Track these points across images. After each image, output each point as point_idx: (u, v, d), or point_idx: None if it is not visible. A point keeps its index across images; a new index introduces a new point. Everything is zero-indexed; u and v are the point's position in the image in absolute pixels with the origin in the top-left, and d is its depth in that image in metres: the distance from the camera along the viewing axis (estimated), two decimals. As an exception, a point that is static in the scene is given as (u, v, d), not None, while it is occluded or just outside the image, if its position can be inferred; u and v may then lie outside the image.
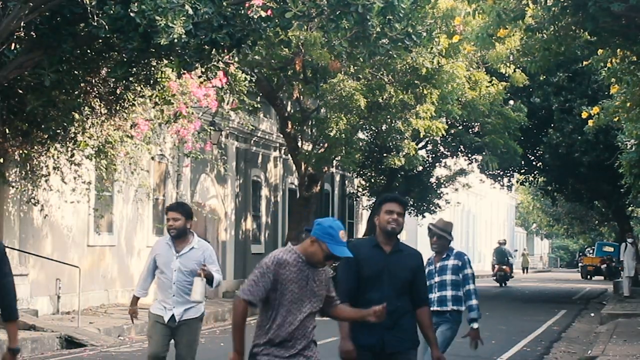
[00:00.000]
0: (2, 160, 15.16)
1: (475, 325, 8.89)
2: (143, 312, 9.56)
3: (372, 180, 34.22)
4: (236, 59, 15.95)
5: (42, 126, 14.55)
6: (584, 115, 20.35)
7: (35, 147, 15.35)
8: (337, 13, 11.63)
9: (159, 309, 8.44)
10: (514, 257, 48.08)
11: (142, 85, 14.53)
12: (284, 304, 5.48)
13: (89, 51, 13.28)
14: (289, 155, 26.64)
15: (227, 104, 20.24)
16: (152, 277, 8.60)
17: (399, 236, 6.43)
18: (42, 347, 14.16)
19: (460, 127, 30.18)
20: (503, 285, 38.60)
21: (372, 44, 12.54)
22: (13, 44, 11.64)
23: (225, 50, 12.03)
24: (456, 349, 14.81)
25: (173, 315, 8.36)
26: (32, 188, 16.45)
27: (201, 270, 8.22)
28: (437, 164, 34.83)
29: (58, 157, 15.96)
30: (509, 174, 36.67)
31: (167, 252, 8.40)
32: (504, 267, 38.68)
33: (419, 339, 6.44)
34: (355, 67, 21.94)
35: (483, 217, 67.35)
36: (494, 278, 39.33)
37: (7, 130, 14.67)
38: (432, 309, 8.20)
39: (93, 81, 14.55)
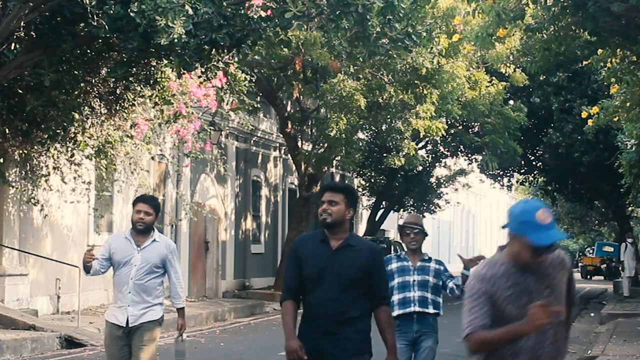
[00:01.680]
0: (2, 160, 15.16)
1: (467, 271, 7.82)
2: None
3: (372, 180, 34.25)
4: (236, 59, 15.93)
5: (42, 126, 14.54)
6: (584, 115, 20.35)
7: (35, 147, 15.35)
8: (337, 13, 11.62)
9: (113, 315, 7.73)
10: None
11: (142, 85, 14.53)
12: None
13: (88, 51, 13.28)
14: (289, 155, 26.65)
15: (227, 104, 20.25)
16: (101, 268, 7.81)
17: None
18: (42, 347, 14.15)
19: (460, 127, 30.18)
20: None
21: (372, 43, 12.53)
22: (13, 44, 11.64)
23: (225, 50, 12.03)
24: (456, 349, 14.83)
25: (128, 316, 7.64)
26: (32, 188, 16.45)
27: (182, 326, 7.82)
28: (437, 164, 34.84)
29: (58, 157, 15.95)
30: (508, 174, 36.68)
31: (125, 246, 7.68)
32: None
33: (369, 347, 5.60)
34: (355, 67, 21.95)
35: (483, 217, 67.37)
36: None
37: (7, 130, 14.66)
38: (411, 309, 7.80)
39: (93, 81, 14.54)
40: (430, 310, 7.85)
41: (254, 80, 20.27)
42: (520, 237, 4.21)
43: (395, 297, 7.80)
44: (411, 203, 35.76)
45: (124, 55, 11.95)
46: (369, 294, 5.55)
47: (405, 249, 8.14)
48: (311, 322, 5.53)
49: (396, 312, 7.70)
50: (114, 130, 15.86)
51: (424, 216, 36.24)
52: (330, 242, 5.54)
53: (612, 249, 49.12)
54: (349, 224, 5.64)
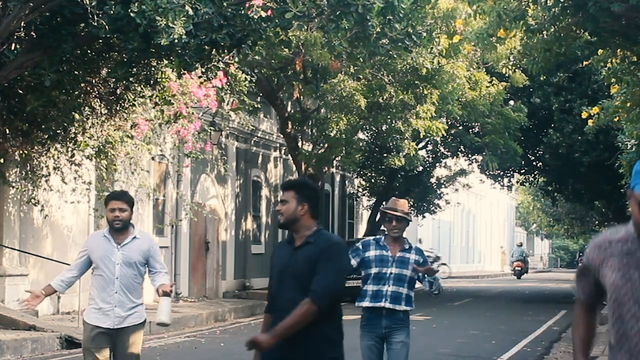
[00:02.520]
0: (2, 161, 15.16)
1: (435, 277, 7.55)
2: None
3: (373, 181, 34.24)
4: (236, 59, 15.95)
5: (42, 126, 14.55)
6: (584, 115, 20.34)
7: (36, 147, 15.35)
8: (337, 13, 11.63)
9: (96, 316, 7.34)
10: (529, 256, 58.35)
11: (142, 86, 14.53)
12: (612, 307, 3.63)
13: (89, 51, 13.28)
14: (289, 155, 26.65)
15: (227, 104, 20.25)
16: (79, 272, 7.55)
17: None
18: (42, 347, 14.16)
19: (460, 127, 30.19)
20: (519, 278, 47.93)
21: (372, 44, 12.54)
22: (13, 44, 11.64)
23: (226, 51, 12.03)
24: (456, 349, 14.85)
25: (114, 317, 7.29)
26: (32, 188, 16.45)
27: (168, 287, 7.29)
28: (437, 164, 34.84)
29: (58, 157, 15.96)
30: (509, 174, 36.68)
31: (105, 245, 7.34)
32: (521, 263, 49.04)
33: (334, 353, 5.16)
34: (356, 67, 21.95)
35: (483, 217, 67.33)
36: (512, 272, 49.39)
37: (7, 131, 14.67)
38: (382, 304, 7.39)
39: (93, 81, 14.55)
40: (402, 307, 7.43)
41: (254, 81, 20.27)
42: (631, 193, 3.51)
43: (369, 288, 7.46)
44: (411, 203, 35.76)
45: (124, 55, 11.96)
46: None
47: (388, 235, 7.60)
48: (274, 327, 5.15)
49: (366, 304, 7.44)
50: (114, 130, 15.86)
51: (424, 217, 36.29)
52: (295, 241, 5.26)
53: (612, 250, 49.12)
54: (312, 220, 5.24)
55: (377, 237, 7.63)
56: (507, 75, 25.90)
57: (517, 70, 25.18)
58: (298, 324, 5.02)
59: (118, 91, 14.84)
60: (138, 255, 7.35)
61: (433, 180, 35.30)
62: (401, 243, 7.55)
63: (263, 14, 11.40)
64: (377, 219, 33.78)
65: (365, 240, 7.59)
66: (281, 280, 5.21)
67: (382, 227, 7.73)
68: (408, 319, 7.55)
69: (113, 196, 7.43)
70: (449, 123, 27.58)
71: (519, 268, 49.04)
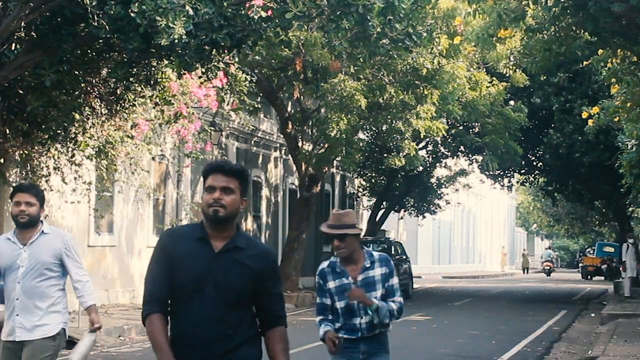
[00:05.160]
0: (2, 161, 15.15)
1: (374, 306, 6.05)
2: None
3: (373, 181, 34.27)
4: (236, 59, 15.95)
5: (43, 126, 14.55)
6: (584, 115, 20.37)
7: (36, 148, 15.35)
8: (338, 13, 11.63)
9: (4, 329, 6.45)
10: (556, 258, 68.28)
11: (142, 86, 14.53)
12: None
13: (89, 51, 13.28)
14: (290, 155, 26.65)
15: (228, 104, 20.25)
16: None
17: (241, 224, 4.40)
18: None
19: (460, 128, 30.21)
20: (549, 275, 55.71)
21: (372, 44, 12.54)
22: (13, 44, 11.65)
23: (226, 51, 12.03)
24: (456, 349, 14.85)
25: (16, 328, 6.35)
26: (33, 188, 16.43)
27: (97, 322, 6.42)
28: (437, 165, 34.86)
29: (58, 158, 15.96)
30: (509, 175, 36.71)
31: (9, 250, 6.39)
32: (550, 263, 58.33)
33: None
34: (356, 68, 21.96)
35: (483, 217, 67.35)
36: (543, 271, 58.49)
37: (8, 131, 14.66)
38: (359, 336, 6.10)
39: (93, 81, 14.55)
40: (378, 331, 6.18)
41: (254, 81, 20.28)
42: None
43: (341, 324, 6.15)
44: (411, 203, 35.79)
45: (124, 55, 11.96)
46: (260, 311, 4.33)
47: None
48: (183, 350, 4.17)
49: (341, 335, 6.10)
50: (115, 130, 15.87)
51: (424, 217, 36.22)
52: (212, 241, 4.28)
53: (612, 250, 49.10)
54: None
55: (332, 260, 6.18)
56: (507, 75, 25.93)
57: (517, 70, 25.20)
58: (289, 354, 4.35)
59: (118, 91, 14.84)
60: (47, 256, 6.40)
61: (433, 180, 35.32)
62: (360, 260, 6.12)
63: (263, 14, 11.41)
64: (377, 218, 33.82)
65: (321, 269, 6.17)
66: (199, 289, 4.17)
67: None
68: (387, 341, 6.33)
69: (19, 188, 6.58)
70: (449, 123, 27.60)
71: (548, 267, 57.62)
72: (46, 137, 14.89)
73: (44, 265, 6.37)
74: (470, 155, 33.76)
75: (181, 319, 4.21)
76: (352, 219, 6.14)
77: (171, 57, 12.10)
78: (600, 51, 16.23)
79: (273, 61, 22.25)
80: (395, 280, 6.19)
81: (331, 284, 6.10)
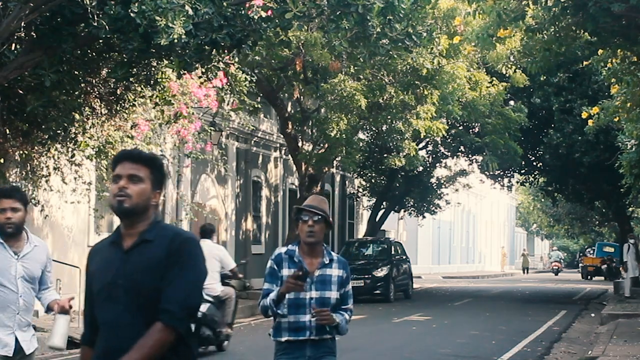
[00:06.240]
0: (2, 161, 15.15)
1: (337, 319, 5.67)
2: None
3: (373, 181, 34.26)
4: (236, 59, 15.95)
5: (43, 126, 14.55)
6: (584, 115, 20.37)
7: (36, 148, 15.35)
8: (338, 13, 11.63)
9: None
10: (563, 258, 70.16)
11: (142, 86, 14.54)
12: None
13: (89, 51, 13.29)
14: (290, 155, 26.66)
15: (228, 104, 20.26)
16: None
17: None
18: (42, 347, 14.15)
19: (460, 128, 30.22)
20: (557, 274, 57.94)
21: (372, 44, 12.55)
22: (13, 44, 11.65)
23: (226, 51, 12.04)
24: (456, 349, 14.85)
25: (18, 342, 5.97)
26: (33, 188, 16.44)
27: (67, 303, 5.97)
28: (437, 165, 34.87)
29: (58, 158, 15.96)
30: (509, 175, 36.71)
31: (1, 255, 6.00)
32: (557, 263, 61.17)
33: None
34: (356, 68, 21.96)
35: (483, 217, 67.34)
36: (551, 270, 61.07)
37: (8, 131, 14.67)
38: (306, 337, 5.69)
39: (93, 81, 14.56)
40: (328, 336, 5.75)
41: (254, 81, 20.28)
42: None
43: (286, 319, 5.73)
44: (412, 203, 35.79)
45: (124, 55, 11.96)
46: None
47: (301, 242, 5.80)
48: None
49: (285, 338, 5.73)
50: (115, 130, 15.87)
51: (424, 217, 36.24)
52: (124, 241, 3.83)
53: (612, 250, 49.12)
54: (153, 211, 3.88)
55: (290, 248, 5.81)
56: (507, 75, 25.93)
57: (517, 70, 25.21)
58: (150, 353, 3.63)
59: (118, 91, 14.85)
60: (39, 269, 6.13)
61: (433, 180, 35.32)
62: (319, 255, 5.78)
63: (263, 14, 11.41)
64: (377, 218, 33.80)
65: (277, 254, 5.82)
66: (109, 295, 3.75)
67: (297, 232, 5.92)
68: (335, 346, 5.89)
69: (2, 193, 6.02)
70: (449, 123, 27.60)
71: (556, 267, 60.57)
72: (46, 137, 14.89)
73: (36, 279, 6.12)
74: (470, 156, 33.76)
75: (101, 333, 3.80)
76: (327, 209, 5.87)
77: (171, 57, 12.11)
78: (600, 51, 16.24)
79: (273, 61, 22.25)
80: (350, 287, 5.90)
81: (285, 272, 5.69)
